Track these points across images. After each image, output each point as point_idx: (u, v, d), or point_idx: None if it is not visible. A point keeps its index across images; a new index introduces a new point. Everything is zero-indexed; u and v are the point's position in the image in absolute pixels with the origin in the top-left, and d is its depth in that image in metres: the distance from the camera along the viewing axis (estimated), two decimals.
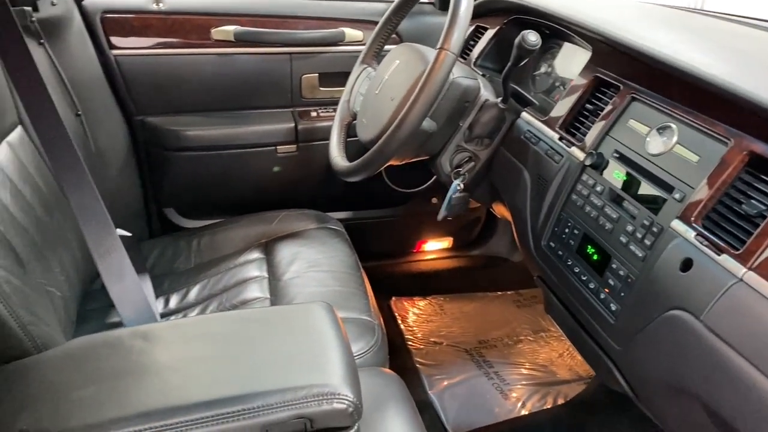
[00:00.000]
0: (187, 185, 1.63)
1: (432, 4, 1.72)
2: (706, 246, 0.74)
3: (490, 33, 1.43)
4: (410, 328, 1.71)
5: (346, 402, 0.78)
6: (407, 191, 1.63)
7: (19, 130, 1.17)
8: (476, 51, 1.45)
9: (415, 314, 1.77)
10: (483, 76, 1.33)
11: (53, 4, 1.39)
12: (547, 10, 1.21)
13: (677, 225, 0.79)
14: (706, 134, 0.81)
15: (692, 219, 0.77)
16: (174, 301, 1.29)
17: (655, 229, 0.82)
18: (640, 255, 0.83)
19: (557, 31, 1.24)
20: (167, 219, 1.67)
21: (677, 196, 0.81)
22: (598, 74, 1.05)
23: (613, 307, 0.87)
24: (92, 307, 1.26)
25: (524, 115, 1.19)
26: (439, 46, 1.03)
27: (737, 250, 0.70)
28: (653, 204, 0.84)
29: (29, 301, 0.92)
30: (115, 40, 1.49)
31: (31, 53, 1.07)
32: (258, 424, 0.75)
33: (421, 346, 1.64)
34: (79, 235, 1.10)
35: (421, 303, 1.81)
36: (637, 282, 0.83)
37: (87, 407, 0.76)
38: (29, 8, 1.32)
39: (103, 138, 1.48)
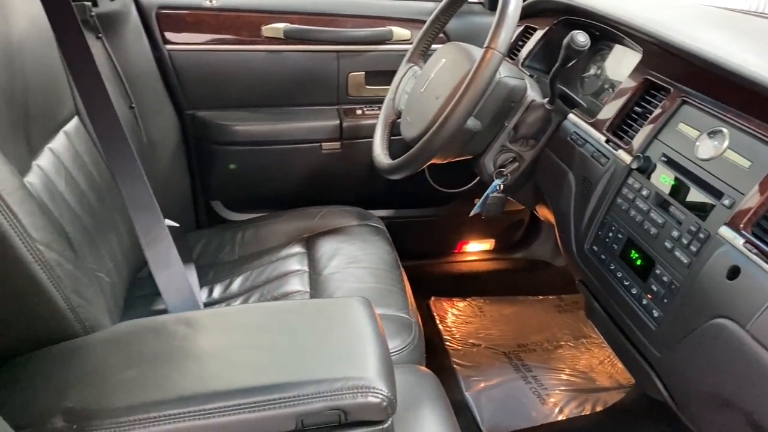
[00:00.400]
0: (234, 179, 1.66)
1: (481, 3, 1.71)
2: (755, 254, 0.72)
3: (539, 34, 1.42)
4: (448, 329, 1.70)
5: (381, 396, 0.78)
6: (450, 191, 1.63)
7: (75, 120, 1.22)
8: (524, 51, 1.44)
9: (453, 315, 1.76)
10: (530, 76, 1.32)
11: (111, 0, 1.44)
12: (596, 11, 1.19)
13: (725, 232, 0.77)
14: (759, 139, 0.79)
15: (741, 226, 0.75)
16: (217, 291, 1.32)
17: (701, 236, 0.80)
18: (686, 261, 0.81)
19: (607, 32, 1.22)
20: (214, 211, 1.71)
21: (726, 202, 0.79)
22: (648, 77, 1.02)
23: (656, 314, 0.85)
24: (139, 294, 1.30)
25: (571, 116, 1.17)
26: (486, 45, 1.03)
27: None
28: (701, 210, 0.82)
29: (80, 285, 0.96)
30: (169, 35, 1.53)
31: (89, 47, 1.11)
32: (293, 413, 0.76)
33: (459, 347, 1.63)
34: (129, 223, 1.14)
35: (461, 304, 1.81)
36: (681, 288, 0.81)
37: (129, 389, 0.79)
38: (89, 3, 1.37)
39: (155, 130, 1.53)
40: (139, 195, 1.12)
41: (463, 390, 1.47)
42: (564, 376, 1.53)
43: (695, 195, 0.84)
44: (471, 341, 1.65)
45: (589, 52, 1.30)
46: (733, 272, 0.73)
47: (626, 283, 0.92)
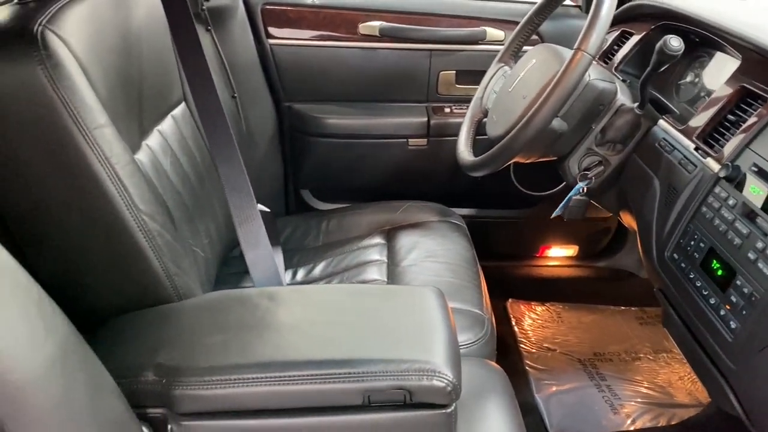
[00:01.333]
0: (323, 170, 1.73)
1: (578, 6, 1.69)
2: None
3: (635, 38, 1.39)
4: (524, 331, 1.70)
5: (446, 381, 0.81)
6: (535, 194, 1.63)
7: (183, 106, 1.31)
8: (620, 55, 1.42)
9: (531, 318, 1.76)
10: (623, 81, 1.30)
11: None
12: (695, 16, 1.16)
13: None
14: None
15: None
16: (301, 275, 1.39)
17: None
18: None
19: (707, 39, 1.19)
20: (302, 199, 1.79)
21: None
22: (744, 84, 0.99)
23: (733, 325, 0.83)
24: (229, 271, 1.38)
25: (661, 122, 1.15)
26: (575, 46, 1.03)
27: None
28: None
29: (177, 255, 1.04)
30: (272, 30, 1.62)
31: (199, 38, 1.20)
32: (360, 388, 0.81)
33: (533, 350, 1.63)
34: (225, 206, 1.22)
35: (539, 308, 1.80)
36: (761, 301, 0.79)
37: (214, 352, 0.85)
38: None
39: (254, 120, 1.62)
40: (235, 178, 1.20)
41: (533, 392, 1.47)
42: (640, 389, 1.49)
43: None
44: (546, 345, 1.64)
45: (686, 59, 1.27)
46: None
47: (705, 293, 0.90)
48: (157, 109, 1.21)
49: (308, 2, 1.62)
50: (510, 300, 1.81)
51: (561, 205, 1.27)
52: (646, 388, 1.50)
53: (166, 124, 1.23)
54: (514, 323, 1.72)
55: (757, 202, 0.86)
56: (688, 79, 1.29)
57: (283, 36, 1.63)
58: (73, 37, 0.92)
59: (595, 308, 1.78)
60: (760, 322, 0.78)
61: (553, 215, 1.29)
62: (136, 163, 1.00)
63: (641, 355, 1.60)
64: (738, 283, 0.84)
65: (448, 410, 0.84)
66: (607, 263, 1.86)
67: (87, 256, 0.98)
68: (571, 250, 1.87)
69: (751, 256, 0.83)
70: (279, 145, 1.73)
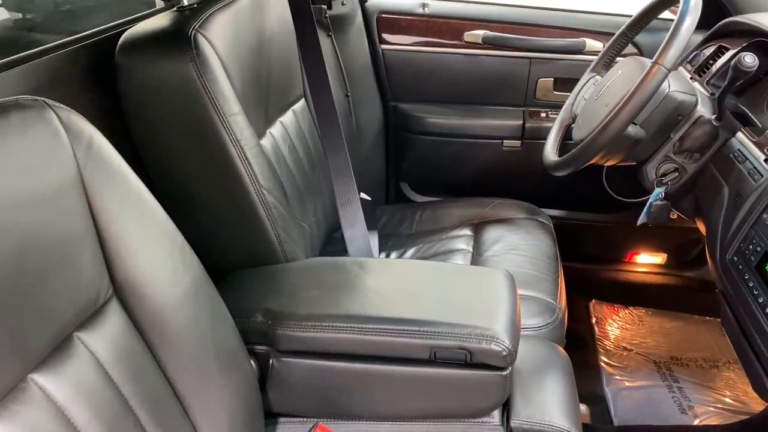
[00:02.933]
0: (422, 165, 1.89)
1: None
2: None
3: (729, 53, 1.43)
4: (603, 331, 1.77)
5: (503, 346, 0.94)
6: (625, 200, 1.69)
7: (302, 102, 1.51)
8: (714, 69, 1.47)
9: (612, 320, 1.82)
10: (713, 94, 1.35)
11: (343, 4, 1.74)
12: None
13: None
14: None
15: None
16: (393, 257, 1.55)
17: None
18: None
19: None
20: (401, 191, 1.96)
21: None
22: None
23: None
24: (330, 249, 1.57)
25: (739, 134, 1.20)
26: (653, 60, 1.12)
27: None
28: None
29: (288, 225, 1.24)
30: (385, 36, 1.80)
31: (319, 42, 1.40)
32: (428, 344, 0.96)
33: (610, 348, 1.69)
34: (331, 190, 1.41)
35: (622, 311, 1.85)
36: None
37: (311, 303, 1.04)
38: (325, 6, 1.67)
39: (363, 117, 1.80)
40: (341, 166, 1.39)
41: (604, 384, 1.55)
42: (713, 394, 1.52)
43: None
44: (623, 345, 1.70)
45: None
46: None
47: (755, 293, 0.97)
48: (280, 102, 1.41)
49: (419, 11, 1.78)
50: (593, 301, 1.88)
51: (644, 211, 1.35)
52: (719, 394, 1.53)
53: (287, 117, 1.44)
54: (594, 322, 1.79)
55: None
56: None
57: (394, 42, 1.81)
58: (218, 39, 1.13)
59: (679, 315, 1.81)
60: None
61: (639, 222, 1.37)
62: (260, 147, 1.21)
63: (719, 364, 1.63)
64: None
65: (504, 373, 0.97)
66: (696, 273, 1.88)
67: (217, 219, 1.20)
68: (659, 258, 1.91)
69: None
70: (383, 141, 1.90)
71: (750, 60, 1.05)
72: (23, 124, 0.69)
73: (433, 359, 0.96)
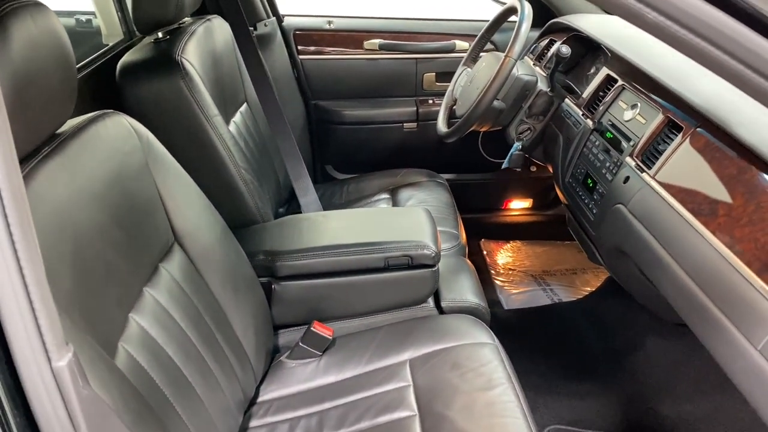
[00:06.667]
0: (341, 149, 2.35)
1: None
2: (638, 169, 1.31)
3: (556, 45, 2.01)
4: (493, 260, 2.32)
5: (432, 250, 1.43)
6: (497, 161, 2.24)
7: (245, 105, 1.92)
8: (547, 56, 2.04)
9: (499, 251, 2.38)
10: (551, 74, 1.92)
11: (265, 26, 2.16)
12: (582, 30, 1.79)
13: (628, 160, 1.36)
14: (651, 107, 1.37)
15: (635, 155, 1.34)
16: None
17: (618, 163, 1.39)
18: (610, 178, 1.41)
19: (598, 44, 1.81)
20: (326, 172, 2.41)
21: (632, 143, 1.38)
22: (609, 72, 1.61)
23: (594, 210, 1.45)
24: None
25: (567, 100, 1.77)
26: (504, 54, 1.64)
27: (650, 169, 1.27)
28: (620, 149, 1.41)
29: (261, 195, 1.66)
30: (301, 48, 2.24)
31: (261, 56, 1.82)
32: (383, 257, 1.43)
33: (500, 270, 2.25)
34: (276, 172, 1.82)
35: (505, 245, 2.42)
36: (605, 193, 1.41)
37: (295, 241, 1.47)
38: (252, 28, 2.08)
39: (290, 114, 2.22)
40: (290, 149, 1.82)
41: (498, 293, 2.09)
42: (573, 289, 2.11)
43: (620, 141, 1.43)
44: (509, 267, 2.26)
45: (592, 56, 1.89)
46: (626, 179, 1.32)
47: (582, 196, 1.52)
48: (233, 106, 1.81)
49: (326, 27, 2.24)
50: (483, 239, 2.43)
51: (506, 159, 1.88)
52: (577, 288, 2.12)
53: (237, 118, 1.84)
54: (486, 254, 2.34)
55: (608, 141, 1.48)
56: (593, 71, 1.91)
57: (309, 52, 2.26)
58: (194, 60, 1.52)
59: (546, 243, 2.40)
60: (604, 204, 1.40)
61: (503, 167, 1.90)
62: (234, 138, 1.62)
63: (577, 271, 2.23)
64: (597, 187, 1.46)
65: (434, 269, 1.45)
66: (555, 211, 2.47)
67: (209, 194, 1.58)
68: (527, 203, 2.49)
69: (603, 171, 1.45)
70: (308, 133, 2.35)
71: (565, 50, 1.61)
72: (115, 125, 1.09)
73: (387, 266, 1.43)
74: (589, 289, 2.13)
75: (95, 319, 0.90)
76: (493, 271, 2.24)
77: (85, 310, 0.88)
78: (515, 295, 2.10)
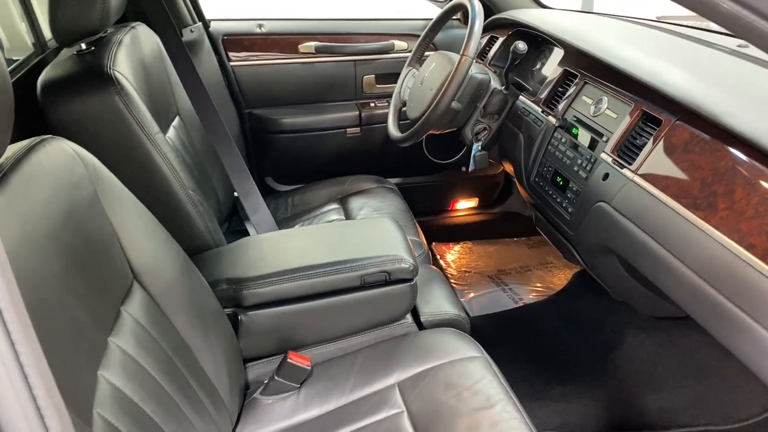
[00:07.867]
0: (281, 159, 2.22)
1: (459, 20, 2.27)
2: (616, 165, 1.28)
3: (500, 41, 1.98)
4: (447, 263, 2.27)
5: (409, 263, 1.34)
6: (442, 162, 2.19)
7: (178, 118, 1.76)
8: (491, 54, 2.00)
9: (450, 254, 2.33)
10: (494, 72, 1.88)
11: (191, 32, 2.00)
12: (532, 25, 1.76)
13: (604, 156, 1.33)
14: (621, 102, 1.35)
15: (611, 151, 1.31)
16: None
17: (593, 160, 1.36)
18: (584, 176, 1.38)
19: (545, 39, 1.78)
20: (266, 184, 2.27)
21: (605, 138, 1.35)
22: (566, 67, 1.59)
23: (570, 209, 1.42)
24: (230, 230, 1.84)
25: (521, 97, 1.73)
26: (461, 53, 1.58)
27: (631, 164, 1.24)
28: (592, 145, 1.38)
29: (211, 217, 1.51)
30: (231, 54, 2.09)
31: (194, 65, 1.67)
32: (358, 274, 1.32)
33: (456, 274, 2.20)
34: (215, 189, 1.67)
35: (455, 247, 2.37)
36: (581, 192, 1.37)
37: (261, 266, 1.34)
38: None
39: None
40: (235, 162, 1.68)
41: (458, 298, 2.03)
42: (532, 287, 2.10)
43: (590, 137, 1.40)
44: (463, 269, 2.22)
45: (536, 53, 1.86)
46: (605, 176, 1.29)
47: (553, 195, 1.49)
48: (166, 120, 1.65)
49: (257, 31, 2.10)
50: (434, 243, 2.37)
51: (471, 162, 1.82)
52: (534, 286, 2.10)
53: (171, 132, 1.68)
54: (438, 258, 2.29)
55: (576, 137, 1.45)
56: (538, 66, 1.88)
57: (240, 58, 2.11)
58: (127, 73, 1.37)
59: (496, 241, 2.38)
60: (581, 203, 1.37)
61: (470, 170, 1.84)
62: (180, 157, 1.46)
63: (531, 268, 2.21)
64: (570, 185, 1.43)
65: (412, 283, 1.37)
66: (501, 208, 2.46)
67: (161, 220, 1.43)
68: (473, 202, 2.46)
69: (575, 168, 1.41)
70: (243, 144, 2.20)
71: (522, 46, 1.57)
72: (57, 152, 0.93)
73: (363, 285, 1.33)
74: (547, 286, 2.12)
75: (67, 386, 0.76)
76: (448, 275, 2.19)
77: (57, 378, 0.73)
78: (476, 298, 2.05)
